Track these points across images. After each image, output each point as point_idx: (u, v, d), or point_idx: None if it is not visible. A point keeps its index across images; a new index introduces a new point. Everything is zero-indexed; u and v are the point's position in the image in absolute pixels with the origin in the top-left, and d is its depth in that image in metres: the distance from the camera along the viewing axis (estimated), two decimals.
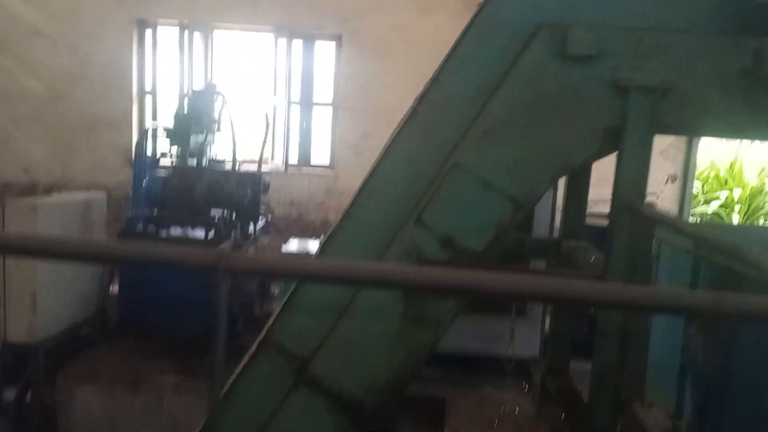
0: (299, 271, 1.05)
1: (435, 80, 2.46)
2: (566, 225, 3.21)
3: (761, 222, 8.65)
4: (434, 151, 2.45)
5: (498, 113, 2.40)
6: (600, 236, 4.77)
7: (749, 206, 8.72)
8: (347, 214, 2.56)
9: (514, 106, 2.40)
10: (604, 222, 2.70)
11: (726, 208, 8.55)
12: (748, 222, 8.59)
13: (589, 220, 4.12)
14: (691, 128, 2.46)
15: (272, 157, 6.91)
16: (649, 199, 7.22)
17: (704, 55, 2.35)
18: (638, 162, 2.39)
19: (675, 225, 2.02)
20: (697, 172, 8.93)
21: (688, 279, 2.90)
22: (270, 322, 2.57)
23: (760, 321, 1.02)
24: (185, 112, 4.81)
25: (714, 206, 8.60)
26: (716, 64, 2.35)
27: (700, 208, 8.75)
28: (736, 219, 8.46)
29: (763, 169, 9.00)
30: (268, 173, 5.99)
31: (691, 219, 8.32)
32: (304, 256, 4.57)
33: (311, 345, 2.48)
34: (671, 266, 3.26)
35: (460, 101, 2.43)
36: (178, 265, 1.06)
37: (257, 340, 2.56)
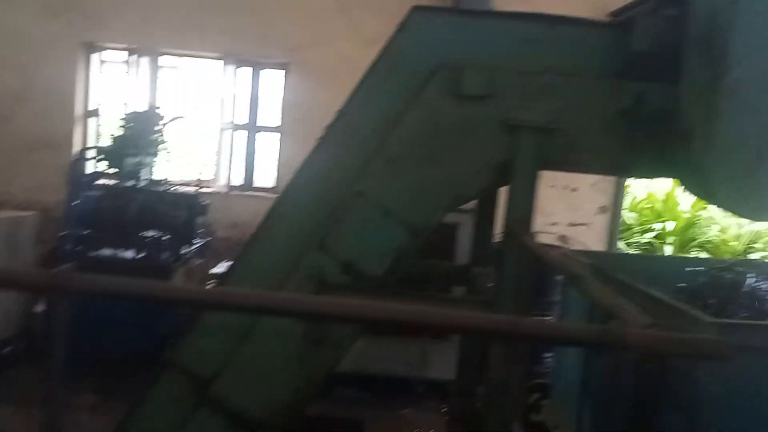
0: (134, 292, 1.14)
1: (341, 111, 2.60)
2: (475, 251, 3.36)
3: (694, 253, 9.02)
4: (338, 179, 2.57)
5: (399, 145, 2.55)
6: None
7: (682, 237, 9.10)
8: (254, 237, 2.66)
9: (414, 139, 2.55)
10: None
11: (659, 239, 8.90)
12: (682, 252, 8.95)
13: None
14: (576, 166, 2.64)
15: (216, 179, 6.97)
16: (580, 229, 7.40)
17: (588, 98, 2.54)
18: (525, 195, 2.55)
19: (543, 254, 2.17)
20: (633, 204, 9.32)
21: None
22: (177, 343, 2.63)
23: (553, 343, 1.16)
24: (123, 133, 4.86)
25: (649, 236, 8.96)
26: (599, 106, 2.54)
27: (637, 238, 9.10)
28: (668, 250, 8.81)
29: (695, 203, 9.41)
30: (208, 195, 6.05)
31: (625, 248, 8.64)
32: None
33: (214, 366, 2.55)
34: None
35: (363, 132, 2.57)
36: (8, 285, 1.14)
37: (163, 361, 2.62)
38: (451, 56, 2.53)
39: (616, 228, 6.91)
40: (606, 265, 3.51)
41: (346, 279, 2.57)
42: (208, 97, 7.16)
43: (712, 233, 9.14)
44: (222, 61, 6.90)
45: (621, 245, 8.68)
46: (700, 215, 9.12)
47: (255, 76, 6.99)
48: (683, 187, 2.56)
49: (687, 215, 9.13)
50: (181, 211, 4.74)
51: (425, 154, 2.55)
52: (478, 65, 2.50)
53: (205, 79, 7.21)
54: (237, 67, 6.92)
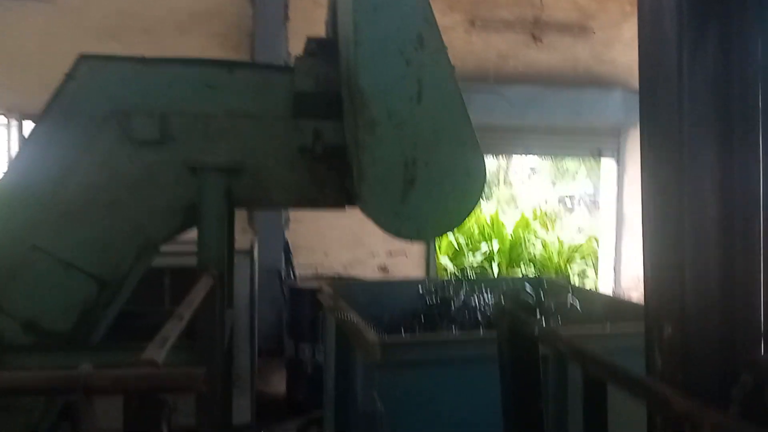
0: None
1: (11, 165, 2.51)
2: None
3: (521, 269, 9.57)
4: (12, 236, 2.47)
5: (75, 195, 2.49)
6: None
7: (511, 256, 9.65)
8: None
9: (91, 188, 2.51)
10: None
11: (487, 259, 9.39)
12: (510, 270, 9.48)
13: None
14: (267, 202, 2.71)
15: None
16: (399, 258, 7.58)
17: (269, 137, 2.63)
18: (216, 235, 2.58)
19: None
20: (462, 226, 9.77)
21: None
22: None
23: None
24: None
25: (478, 257, 9.42)
26: (281, 145, 2.63)
27: (470, 260, 9.54)
28: (496, 269, 9.30)
29: (519, 223, 10.05)
30: None
31: (455, 270, 9.00)
32: None
33: None
34: None
35: (35, 185, 2.49)
36: None
37: None
38: (123, 102, 2.53)
39: (431, 254, 7.20)
40: (354, 293, 3.65)
41: (29, 338, 2.46)
42: None
43: (536, 251, 9.77)
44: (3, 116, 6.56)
45: (451, 267, 9.07)
46: (522, 234, 9.74)
47: None
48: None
49: (511, 236, 9.72)
50: None
51: (105, 203, 2.51)
52: (149, 111, 2.51)
53: None
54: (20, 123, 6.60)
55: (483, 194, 2.52)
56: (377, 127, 2.33)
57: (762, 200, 1.16)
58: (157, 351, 1.39)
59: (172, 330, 1.58)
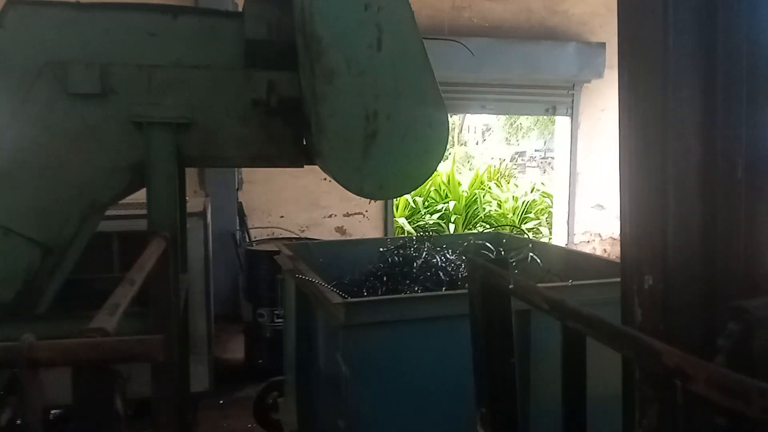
0: None
1: None
2: None
3: (477, 228, 9.64)
4: None
5: (10, 155, 2.30)
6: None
7: (466, 215, 9.70)
8: None
9: (27, 147, 2.32)
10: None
11: (444, 219, 9.40)
12: (465, 229, 9.53)
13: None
14: (218, 160, 2.57)
15: None
16: (356, 218, 7.47)
17: (220, 90, 2.47)
18: (166, 195, 2.44)
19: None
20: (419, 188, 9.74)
21: None
22: None
23: None
24: None
25: (435, 217, 9.43)
26: (232, 98, 2.48)
27: (426, 220, 9.54)
28: (452, 228, 9.34)
29: (473, 181, 10.08)
30: None
31: (412, 230, 9.00)
32: None
33: None
34: None
35: None
36: None
37: None
38: (61, 53, 2.33)
39: (389, 215, 7.14)
40: (314, 254, 3.56)
41: None
42: None
43: (492, 209, 9.84)
44: None
45: (409, 227, 9.05)
46: (477, 193, 9.77)
47: None
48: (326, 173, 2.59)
49: (466, 194, 9.74)
50: None
51: (43, 163, 2.33)
52: (87, 61, 2.32)
53: None
54: None
55: (446, 148, 2.44)
56: (336, 76, 2.21)
57: (744, 141, 1.12)
58: (108, 319, 1.28)
59: (124, 296, 1.47)
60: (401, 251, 3.18)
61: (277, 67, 2.45)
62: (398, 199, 9.16)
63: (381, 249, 3.32)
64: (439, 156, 2.40)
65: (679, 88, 1.05)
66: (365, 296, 2.85)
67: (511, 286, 1.27)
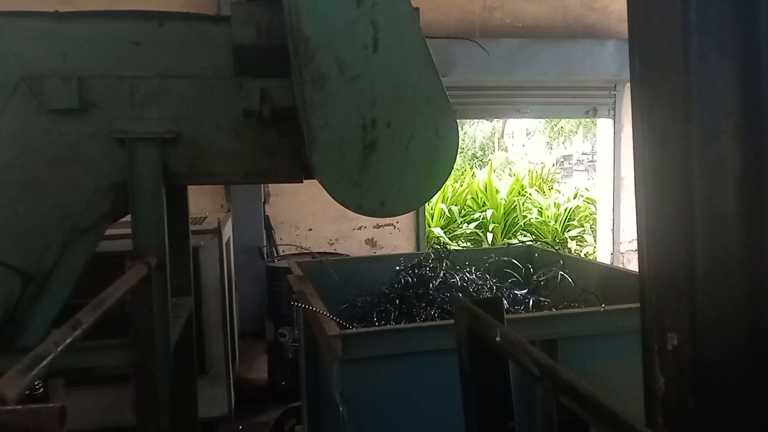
0: None
1: None
2: None
3: (518, 237, 9.27)
4: None
5: None
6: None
7: (505, 223, 9.33)
8: None
9: (4, 168, 2.17)
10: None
11: (481, 227, 9.06)
12: (504, 238, 9.17)
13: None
14: (209, 177, 2.36)
15: None
16: (387, 229, 7.24)
17: (209, 101, 2.28)
18: (152, 216, 2.25)
19: None
20: (456, 195, 9.45)
21: None
22: None
23: None
24: None
25: (472, 227, 9.10)
26: (222, 109, 2.29)
27: (462, 229, 9.22)
28: (491, 237, 8.99)
29: (512, 188, 9.71)
30: None
31: (449, 240, 8.71)
32: None
33: None
34: None
35: None
36: None
37: None
38: (35, 66, 2.17)
39: (420, 225, 6.87)
40: (329, 272, 3.33)
41: None
42: None
43: (532, 216, 9.44)
44: None
45: (445, 238, 8.75)
46: (516, 200, 9.40)
47: None
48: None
49: (505, 201, 9.37)
50: None
51: (20, 184, 2.18)
52: (67, 74, 2.16)
53: None
54: None
55: (455, 158, 2.17)
56: (327, 82, 1.98)
57: None
58: (14, 380, 1.07)
59: (55, 343, 1.26)
60: (417, 270, 2.91)
61: (270, 73, 2.24)
62: (433, 208, 8.89)
63: (396, 267, 3.07)
64: (449, 167, 2.14)
65: (707, 77, 0.78)
66: (375, 323, 2.60)
67: (498, 339, 1.00)
